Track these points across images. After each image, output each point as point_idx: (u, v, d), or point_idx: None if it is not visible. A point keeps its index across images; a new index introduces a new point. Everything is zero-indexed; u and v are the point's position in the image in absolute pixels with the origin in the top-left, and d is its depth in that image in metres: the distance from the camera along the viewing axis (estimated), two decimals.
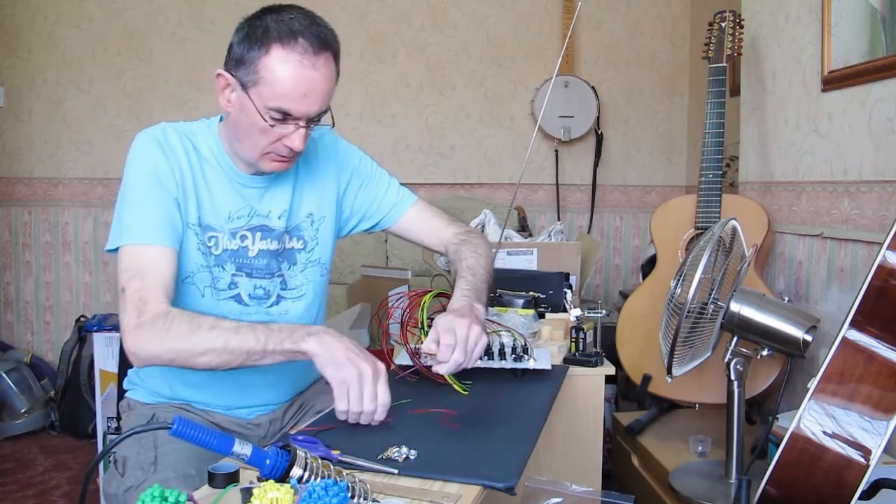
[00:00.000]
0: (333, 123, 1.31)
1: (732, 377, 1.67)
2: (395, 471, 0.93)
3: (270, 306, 1.35)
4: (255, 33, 1.17)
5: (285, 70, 1.16)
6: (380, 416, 1.07)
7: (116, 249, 1.20)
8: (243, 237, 1.31)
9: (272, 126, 1.19)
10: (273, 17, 1.18)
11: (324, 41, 1.19)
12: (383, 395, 1.07)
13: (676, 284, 1.60)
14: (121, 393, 1.50)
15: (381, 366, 1.09)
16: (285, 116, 1.19)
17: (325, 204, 1.41)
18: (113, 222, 1.24)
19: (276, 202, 1.34)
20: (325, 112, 1.24)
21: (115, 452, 1.27)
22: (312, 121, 1.23)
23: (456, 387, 1.25)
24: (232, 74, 1.20)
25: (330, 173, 1.42)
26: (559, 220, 3.75)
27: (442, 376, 1.26)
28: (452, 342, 1.15)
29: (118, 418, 1.76)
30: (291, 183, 1.36)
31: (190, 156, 1.28)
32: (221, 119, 1.32)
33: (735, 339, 1.65)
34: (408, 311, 1.39)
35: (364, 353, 1.09)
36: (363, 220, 1.50)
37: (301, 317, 1.38)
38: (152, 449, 1.24)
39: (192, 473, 1.20)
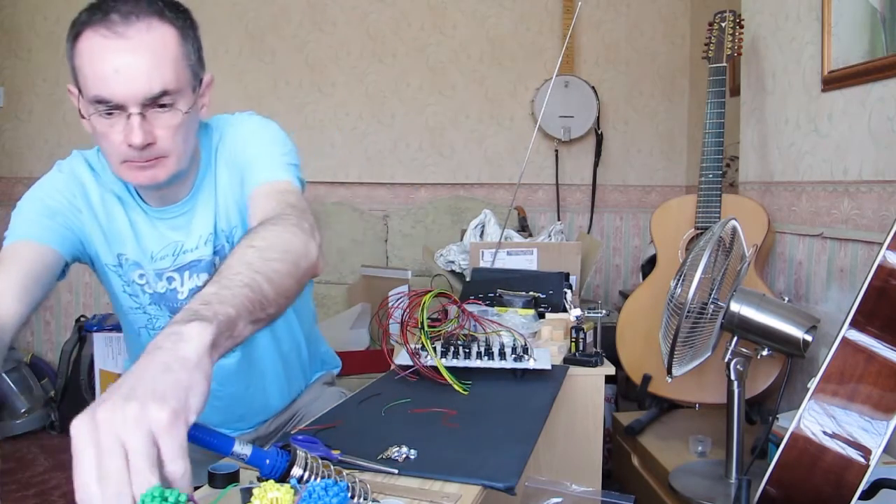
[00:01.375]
0: (193, 105, 1.08)
1: (732, 377, 1.67)
2: (395, 471, 0.93)
3: None
4: (72, 27, 1.02)
5: (91, 49, 0.98)
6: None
7: None
8: (170, 279, 1.18)
9: (109, 123, 1.00)
10: (87, 6, 1.01)
11: (144, 8, 0.98)
12: None
13: (676, 284, 1.60)
14: None
15: None
16: (108, 106, 0.99)
17: (232, 210, 1.19)
18: None
19: (200, 228, 1.17)
20: (167, 94, 1.00)
21: None
22: (147, 106, 1.00)
23: (456, 387, 1.25)
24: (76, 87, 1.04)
25: (233, 178, 1.17)
26: (559, 220, 3.75)
27: (441, 375, 1.26)
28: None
29: None
30: (213, 202, 1.17)
31: (105, 195, 1.16)
32: None
33: (735, 339, 1.65)
34: (408, 311, 1.39)
35: None
36: None
37: (249, 340, 1.21)
38: None
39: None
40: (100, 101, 0.99)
